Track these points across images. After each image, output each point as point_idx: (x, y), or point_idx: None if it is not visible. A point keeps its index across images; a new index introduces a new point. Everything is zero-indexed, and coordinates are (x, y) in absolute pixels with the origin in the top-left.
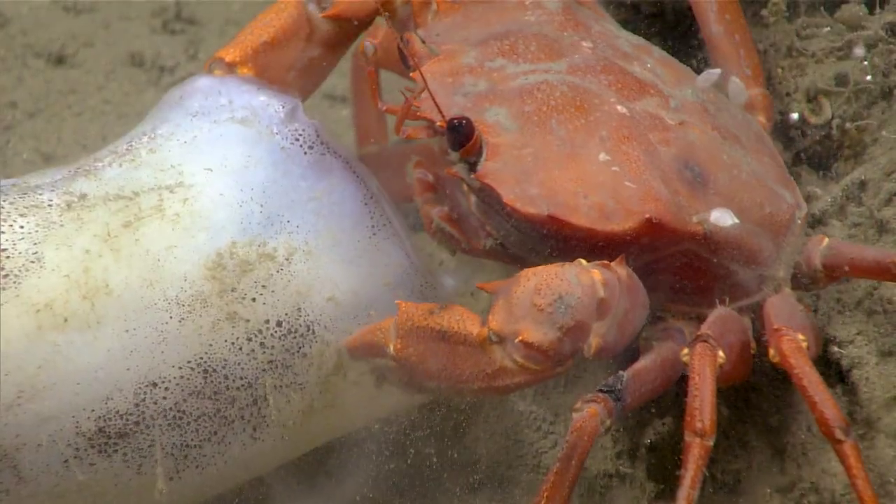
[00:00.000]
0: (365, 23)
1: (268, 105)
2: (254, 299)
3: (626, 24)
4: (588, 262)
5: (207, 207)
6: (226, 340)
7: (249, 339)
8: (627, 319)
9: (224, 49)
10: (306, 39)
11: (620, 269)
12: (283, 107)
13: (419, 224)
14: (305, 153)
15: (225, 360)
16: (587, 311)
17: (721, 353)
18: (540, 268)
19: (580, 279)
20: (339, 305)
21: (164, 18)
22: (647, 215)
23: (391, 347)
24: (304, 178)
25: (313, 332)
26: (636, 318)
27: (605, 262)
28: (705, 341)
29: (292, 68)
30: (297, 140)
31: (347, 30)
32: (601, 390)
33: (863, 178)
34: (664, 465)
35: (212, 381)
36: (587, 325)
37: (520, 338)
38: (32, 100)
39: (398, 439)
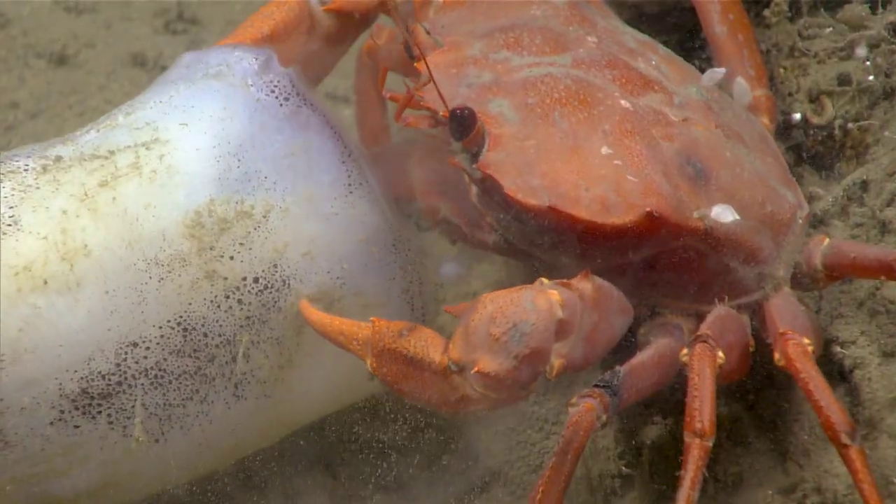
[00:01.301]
0: (366, 18)
1: (241, 59)
2: (232, 257)
3: (629, 23)
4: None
5: (184, 162)
6: (205, 299)
7: (227, 297)
8: (598, 332)
9: (224, 40)
10: (307, 33)
11: (584, 284)
12: (257, 59)
13: (421, 223)
14: (281, 105)
15: (204, 317)
16: (542, 336)
17: (720, 354)
18: (498, 293)
19: (536, 304)
20: (314, 260)
21: (166, 19)
22: (648, 209)
23: (368, 365)
24: (281, 132)
25: (289, 287)
26: (610, 329)
27: (566, 280)
28: (705, 342)
29: (292, 62)
30: (273, 91)
31: (348, 24)
32: (597, 385)
33: (865, 178)
34: (666, 465)
35: (191, 340)
36: (544, 350)
37: (476, 368)
38: (34, 100)
39: (400, 438)
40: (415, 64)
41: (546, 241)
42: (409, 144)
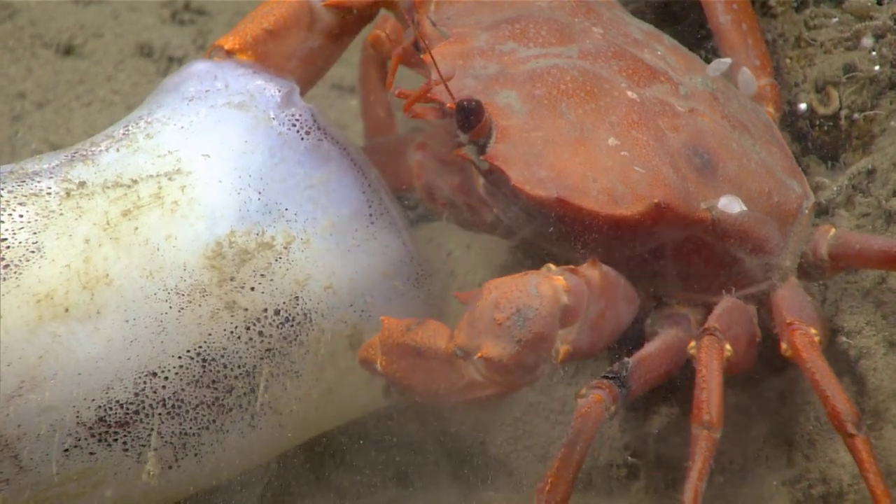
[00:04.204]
0: (366, 14)
1: (264, 89)
2: (252, 288)
3: (635, 14)
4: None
5: (206, 195)
6: (224, 329)
7: (248, 328)
8: (604, 320)
9: (224, 37)
10: (308, 28)
11: (591, 271)
12: (280, 91)
13: (422, 216)
14: (302, 139)
15: (223, 348)
16: (546, 321)
17: (728, 346)
18: (503, 279)
19: (540, 289)
20: (336, 294)
21: (173, 9)
22: (656, 200)
23: (378, 364)
24: (302, 165)
25: (310, 321)
26: (616, 317)
27: (573, 266)
28: (712, 334)
29: (293, 57)
30: (294, 125)
31: (349, 20)
32: (606, 377)
33: (871, 168)
34: (672, 456)
35: (210, 370)
36: (548, 335)
37: (480, 353)
38: (41, 90)
39: (406, 428)
40: (421, 56)
41: (553, 233)
42: (413, 133)
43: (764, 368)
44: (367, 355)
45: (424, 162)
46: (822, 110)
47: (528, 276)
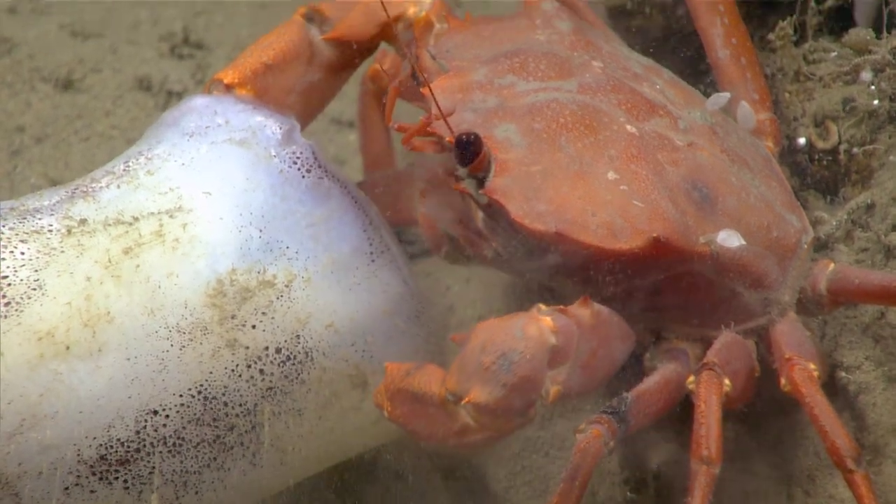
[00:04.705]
0: (366, 47)
1: (265, 126)
2: (254, 326)
3: (634, 48)
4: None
5: (207, 232)
6: (226, 367)
7: (249, 366)
8: (596, 359)
9: (223, 71)
10: (307, 62)
11: (581, 310)
12: (281, 128)
13: (421, 250)
14: (304, 177)
15: (225, 386)
16: (531, 364)
17: (727, 381)
18: (492, 321)
19: (525, 331)
20: (337, 332)
21: (172, 43)
22: (655, 234)
23: (385, 411)
24: (303, 203)
25: (312, 359)
26: (610, 355)
27: (562, 307)
28: (711, 369)
29: (292, 91)
30: (296, 163)
31: (348, 54)
32: (605, 412)
33: (870, 202)
34: (671, 491)
35: (211, 408)
36: (535, 377)
37: (468, 398)
38: (40, 124)
39: (404, 463)
40: (420, 89)
41: (552, 267)
42: (411, 168)
43: (763, 403)
44: (378, 401)
45: (429, 209)
46: (821, 144)
47: (514, 319)
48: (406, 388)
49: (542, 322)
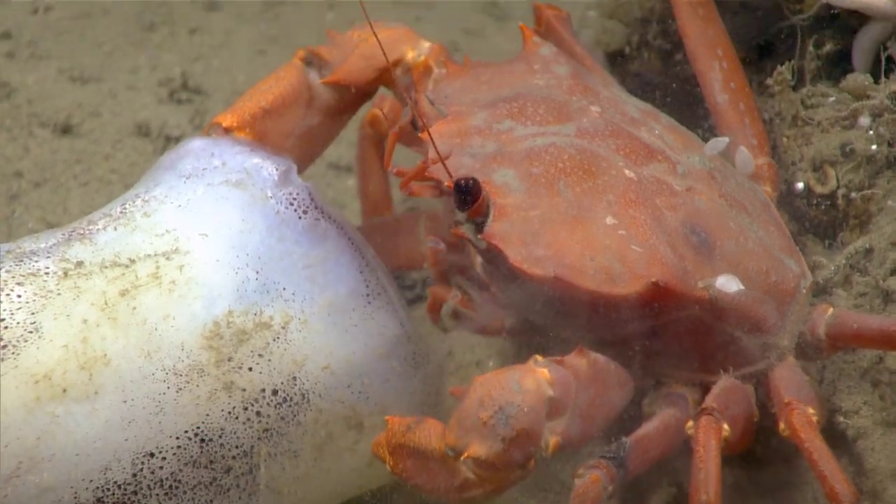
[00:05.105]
0: (365, 91)
1: (261, 167)
2: (250, 368)
3: (632, 92)
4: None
5: (203, 274)
6: (222, 410)
7: (246, 408)
8: (594, 408)
9: (222, 115)
10: (306, 106)
11: (578, 360)
12: (277, 169)
13: (419, 296)
14: (300, 218)
15: (221, 429)
16: (529, 417)
17: (726, 426)
18: (489, 375)
19: (522, 385)
20: (333, 374)
21: (171, 88)
22: (653, 279)
23: (388, 465)
24: (299, 245)
25: (308, 401)
26: (608, 403)
27: (559, 357)
28: (710, 414)
29: (291, 135)
30: (292, 204)
31: (347, 98)
32: (604, 457)
33: (868, 247)
34: None
35: (208, 450)
36: (533, 430)
37: (467, 453)
38: (38, 169)
39: None
40: (419, 134)
41: (551, 312)
42: (410, 214)
43: (762, 449)
44: (379, 454)
45: (436, 248)
46: (819, 189)
47: (511, 372)
48: (407, 444)
49: (539, 374)
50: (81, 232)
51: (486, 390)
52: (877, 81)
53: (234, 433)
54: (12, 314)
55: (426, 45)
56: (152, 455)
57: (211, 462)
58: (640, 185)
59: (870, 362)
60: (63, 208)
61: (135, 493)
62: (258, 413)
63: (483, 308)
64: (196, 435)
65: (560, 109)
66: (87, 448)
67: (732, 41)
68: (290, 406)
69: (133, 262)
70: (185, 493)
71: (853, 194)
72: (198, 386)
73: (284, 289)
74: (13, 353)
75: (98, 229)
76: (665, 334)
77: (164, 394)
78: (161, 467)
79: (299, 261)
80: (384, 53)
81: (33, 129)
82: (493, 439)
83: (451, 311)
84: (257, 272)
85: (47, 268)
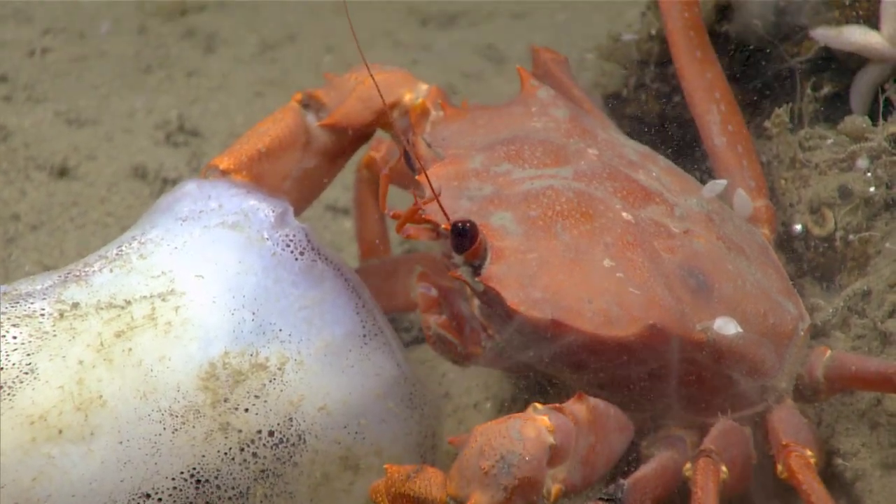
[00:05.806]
0: (362, 133)
1: (258, 209)
2: (247, 409)
3: (630, 135)
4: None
5: (200, 315)
6: (218, 451)
7: (242, 450)
8: (595, 453)
9: (219, 157)
10: (303, 149)
11: (577, 406)
12: (274, 211)
13: (416, 338)
14: (297, 259)
15: (217, 469)
16: (531, 465)
17: (724, 468)
18: (489, 424)
19: (523, 433)
20: (330, 415)
21: (167, 131)
22: (651, 322)
23: None
24: (296, 286)
25: (304, 442)
26: (608, 448)
27: (558, 405)
28: (708, 456)
29: (288, 177)
30: (289, 246)
31: (344, 140)
32: (602, 499)
33: (866, 289)
34: None
35: (204, 491)
36: (535, 478)
37: (469, 503)
38: (35, 212)
39: None
40: (416, 177)
41: (548, 354)
42: (407, 256)
43: (759, 489)
44: (377, 501)
45: (426, 294)
46: (817, 231)
47: (511, 420)
48: (407, 493)
49: (539, 422)
50: (77, 274)
51: (486, 439)
52: (875, 124)
53: (231, 474)
54: (8, 355)
55: (424, 87)
56: (148, 496)
57: (207, 503)
58: (638, 228)
59: (868, 404)
60: (59, 251)
61: None
62: (254, 454)
63: (487, 353)
64: (192, 476)
65: (557, 152)
66: (83, 489)
67: (730, 84)
68: (286, 447)
69: (129, 303)
70: None
71: (851, 236)
72: (194, 427)
73: (281, 330)
74: (9, 395)
75: (94, 271)
76: (663, 377)
77: (160, 435)
78: None
79: (296, 302)
80: (381, 96)
81: (30, 171)
82: (495, 489)
83: (436, 336)
84: (253, 313)
85: (43, 309)
